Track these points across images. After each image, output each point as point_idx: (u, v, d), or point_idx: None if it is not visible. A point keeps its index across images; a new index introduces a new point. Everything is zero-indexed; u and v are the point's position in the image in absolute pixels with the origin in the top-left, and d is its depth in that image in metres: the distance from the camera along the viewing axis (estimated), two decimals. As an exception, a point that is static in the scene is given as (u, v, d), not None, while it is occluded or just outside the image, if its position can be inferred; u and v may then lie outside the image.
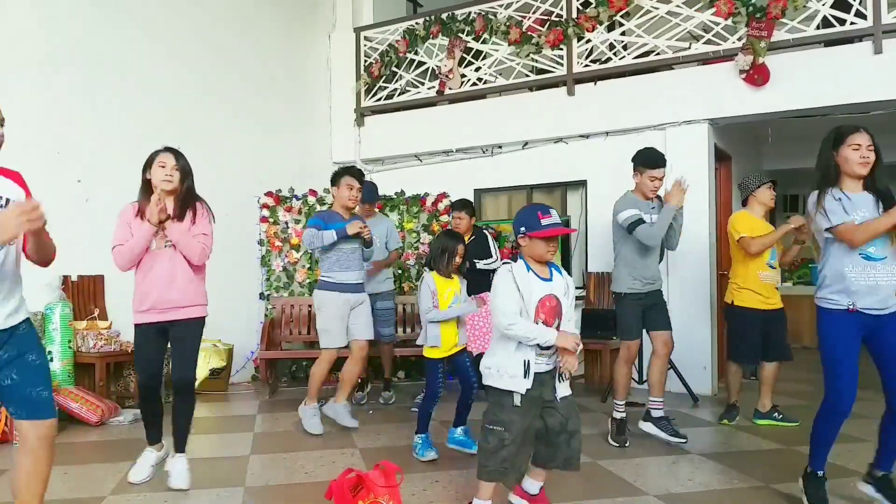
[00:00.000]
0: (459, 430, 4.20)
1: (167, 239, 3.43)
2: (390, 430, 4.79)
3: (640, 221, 4.24)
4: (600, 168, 6.58)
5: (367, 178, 7.88)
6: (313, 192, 7.16)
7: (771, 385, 4.98)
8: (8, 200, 2.26)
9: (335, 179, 4.78)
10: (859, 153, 3.00)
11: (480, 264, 5.50)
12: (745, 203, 5.07)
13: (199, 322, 3.54)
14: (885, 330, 3.00)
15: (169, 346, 3.57)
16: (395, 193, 7.34)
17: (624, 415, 4.34)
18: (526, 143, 7.09)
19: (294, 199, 7.15)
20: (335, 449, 4.24)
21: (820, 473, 3.16)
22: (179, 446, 3.51)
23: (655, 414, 4.40)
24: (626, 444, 4.26)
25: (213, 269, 4.90)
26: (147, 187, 3.51)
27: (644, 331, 4.45)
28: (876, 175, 3.04)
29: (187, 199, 3.52)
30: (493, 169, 7.28)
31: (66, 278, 5.30)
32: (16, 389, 2.25)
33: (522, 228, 2.82)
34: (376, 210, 5.96)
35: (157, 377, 3.63)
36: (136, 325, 3.49)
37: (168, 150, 3.61)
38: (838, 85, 5.51)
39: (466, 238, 5.25)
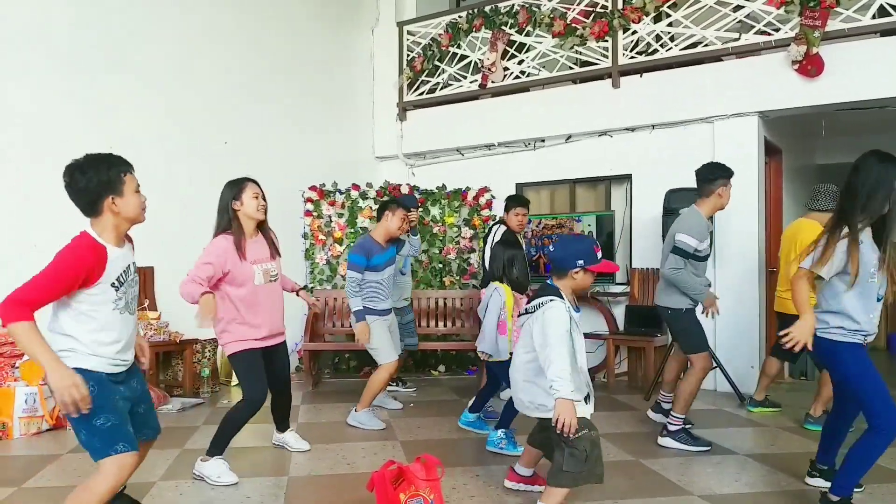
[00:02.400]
0: (473, 415, 4.46)
1: (272, 274, 3.68)
2: (431, 423, 4.81)
3: (687, 255, 4.14)
4: (646, 162, 6.47)
5: (409, 171, 7.98)
6: (356, 187, 7.22)
7: (771, 379, 5.12)
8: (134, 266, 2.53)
9: (388, 206, 4.80)
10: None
11: None
12: (815, 209, 4.87)
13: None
14: None
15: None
16: (437, 188, 7.35)
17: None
18: (569, 137, 7.01)
19: (337, 193, 7.21)
20: (377, 441, 4.28)
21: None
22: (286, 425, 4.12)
23: (672, 428, 4.21)
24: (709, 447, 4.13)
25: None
26: (235, 216, 3.60)
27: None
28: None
29: (267, 230, 3.77)
30: (535, 163, 7.23)
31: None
32: (145, 418, 2.65)
33: (581, 262, 2.84)
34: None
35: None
36: (246, 350, 3.61)
37: (252, 180, 3.72)
38: (895, 76, 5.30)
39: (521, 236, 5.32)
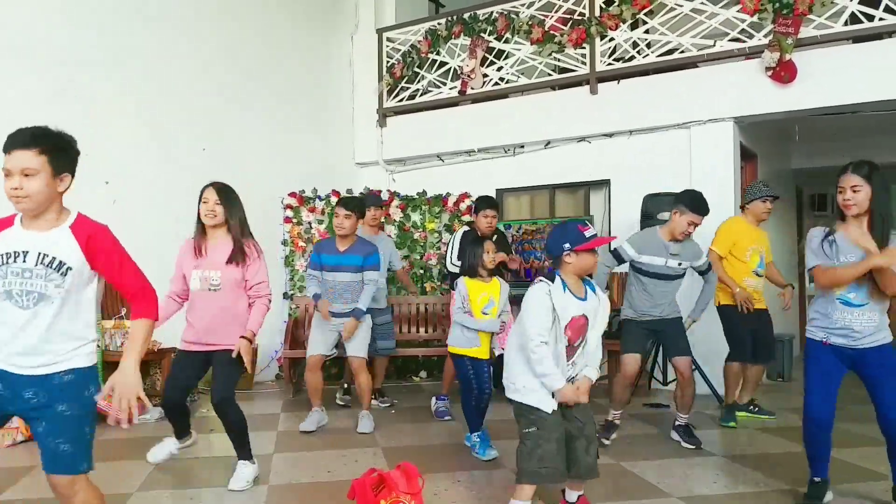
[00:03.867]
0: (475, 435, 4.13)
1: (213, 283, 3.56)
2: (413, 430, 4.80)
3: (620, 259, 4.36)
4: (624, 167, 6.53)
5: (390, 177, 7.98)
6: (336, 193, 7.20)
7: (755, 383, 5.18)
8: (62, 265, 2.13)
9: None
10: (843, 195, 3.08)
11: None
12: (742, 207, 5.12)
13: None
14: (866, 362, 3.09)
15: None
16: (417, 193, 7.36)
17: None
18: (548, 143, 7.06)
19: (317, 199, 7.19)
20: (358, 448, 4.26)
21: (818, 480, 3.25)
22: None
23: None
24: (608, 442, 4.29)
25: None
26: (199, 221, 3.64)
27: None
28: (875, 214, 3.02)
29: (237, 240, 3.58)
30: (515, 169, 7.26)
31: (94, 278, 5.39)
32: (41, 439, 2.17)
33: (566, 245, 2.83)
34: (381, 230, 5.97)
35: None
36: (179, 349, 3.72)
37: (213, 185, 3.66)
38: (867, 81, 5.41)
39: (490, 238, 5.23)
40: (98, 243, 2.19)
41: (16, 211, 2.18)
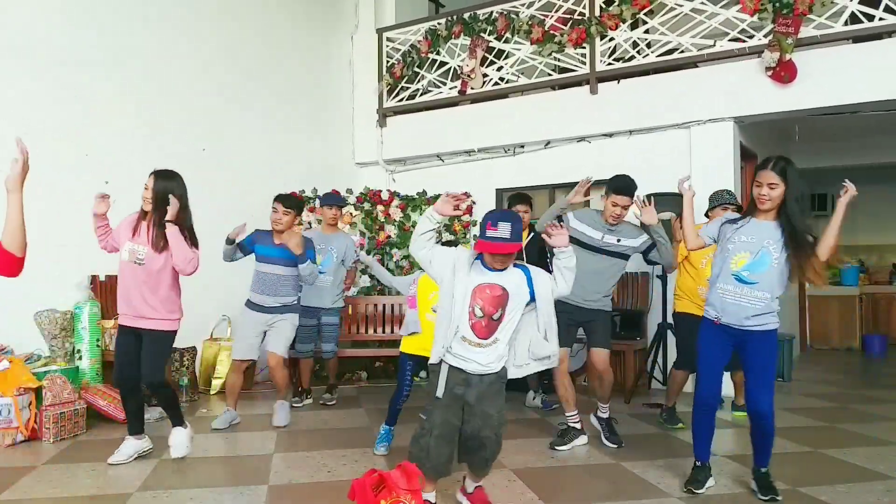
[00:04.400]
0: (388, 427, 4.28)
1: (139, 257, 3.78)
2: (411, 430, 4.78)
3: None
4: (624, 167, 6.50)
5: (389, 177, 7.98)
6: (336, 192, 7.19)
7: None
8: None
9: None
10: (760, 190, 3.25)
11: None
12: (707, 215, 5.08)
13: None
14: (747, 345, 3.30)
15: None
16: (417, 193, 7.36)
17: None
18: (548, 143, 7.06)
19: (317, 199, 7.19)
20: (357, 448, 4.26)
21: (698, 464, 3.46)
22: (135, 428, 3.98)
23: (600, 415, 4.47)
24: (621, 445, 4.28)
25: (238, 267, 5.00)
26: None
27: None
28: (789, 210, 3.20)
29: (162, 227, 3.76)
30: (515, 168, 7.27)
31: (94, 278, 5.40)
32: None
33: (475, 232, 2.85)
34: (341, 225, 5.98)
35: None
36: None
37: (155, 173, 3.84)
38: (867, 81, 5.41)
39: (525, 235, 5.18)
40: None
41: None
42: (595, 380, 4.42)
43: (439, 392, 2.89)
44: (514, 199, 5.47)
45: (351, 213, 7.06)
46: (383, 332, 6.62)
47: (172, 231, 3.70)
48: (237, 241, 4.73)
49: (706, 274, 4.61)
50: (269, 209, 5.59)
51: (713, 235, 3.47)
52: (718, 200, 4.94)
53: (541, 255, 5.13)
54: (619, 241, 4.26)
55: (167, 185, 3.75)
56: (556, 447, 4.21)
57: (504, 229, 2.75)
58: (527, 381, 5.56)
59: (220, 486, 3.49)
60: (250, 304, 4.81)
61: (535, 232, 5.35)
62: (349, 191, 7.28)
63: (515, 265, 2.91)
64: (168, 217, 3.69)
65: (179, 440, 3.96)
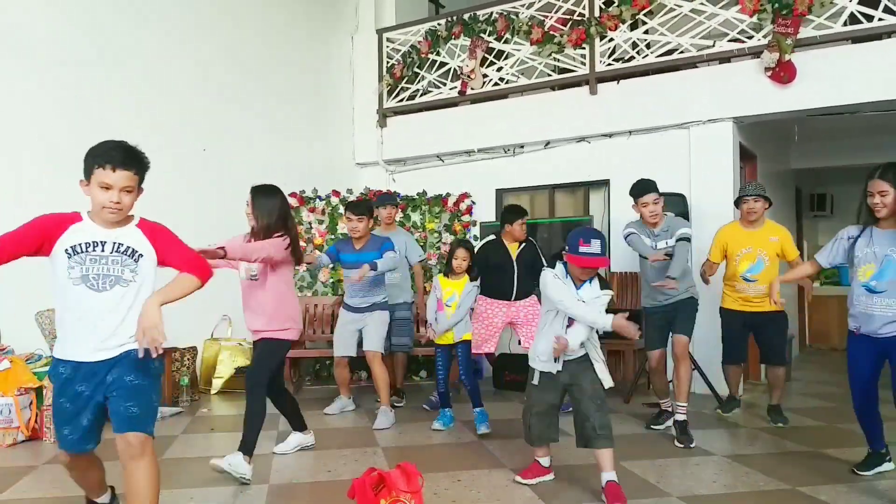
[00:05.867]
0: (474, 411, 4.66)
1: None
2: (413, 429, 4.81)
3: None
4: (623, 167, 6.53)
5: (390, 177, 7.98)
6: (336, 193, 7.21)
7: (776, 387, 5.02)
8: (135, 252, 2.49)
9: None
10: (873, 199, 3.34)
11: None
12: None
13: None
14: (893, 353, 3.39)
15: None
16: (417, 194, 7.37)
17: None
18: (548, 143, 7.07)
19: (318, 199, 7.20)
20: (358, 448, 4.27)
21: (871, 451, 3.67)
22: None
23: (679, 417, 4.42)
24: (692, 445, 4.26)
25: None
26: None
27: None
28: None
29: None
30: (515, 169, 7.27)
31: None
32: (112, 407, 2.48)
33: (567, 246, 3.27)
34: (397, 224, 6.13)
35: None
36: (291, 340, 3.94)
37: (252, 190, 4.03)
38: (866, 82, 5.42)
39: (517, 247, 5.20)
40: (162, 236, 2.56)
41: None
42: (656, 375, 4.73)
43: (535, 381, 3.45)
44: (512, 215, 5.22)
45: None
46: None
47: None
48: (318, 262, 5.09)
49: (740, 270, 4.80)
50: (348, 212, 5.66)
51: (834, 260, 3.62)
52: (743, 192, 4.90)
53: (534, 263, 5.12)
54: (667, 243, 4.51)
55: (266, 202, 3.87)
56: (652, 426, 4.72)
57: (596, 245, 3.18)
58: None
59: (220, 485, 3.50)
60: (346, 306, 5.17)
61: (528, 242, 5.35)
62: (349, 191, 7.29)
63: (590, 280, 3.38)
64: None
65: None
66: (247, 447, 3.60)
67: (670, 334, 4.60)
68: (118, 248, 2.46)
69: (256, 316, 3.84)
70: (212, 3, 6.57)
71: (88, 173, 2.42)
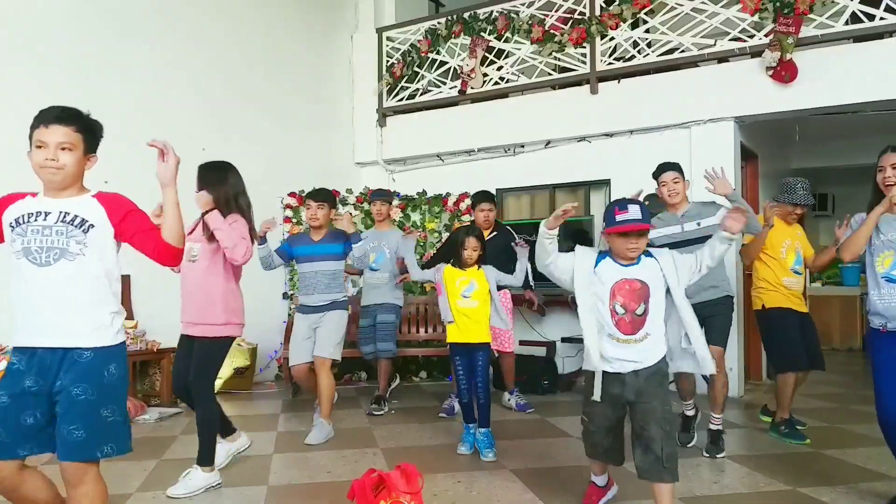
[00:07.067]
0: (479, 431, 4.13)
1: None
2: (412, 430, 4.80)
3: None
4: (624, 167, 6.52)
5: (390, 177, 7.97)
6: (336, 193, 7.18)
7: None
8: (84, 222, 2.24)
9: None
10: (884, 173, 3.12)
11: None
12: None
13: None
14: None
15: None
16: (417, 193, 7.35)
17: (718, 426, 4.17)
18: (548, 143, 7.05)
19: (317, 199, 7.18)
20: (357, 449, 4.25)
21: None
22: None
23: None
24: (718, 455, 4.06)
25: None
26: None
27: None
28: None
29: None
30: (515, 168, 7.26)
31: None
32: (57, 424, 2.16)
33: (603, 224, 2.81)
34: (395, 223, 5.89)
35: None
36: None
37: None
38: (868, 81, 5.40)
39: (487, 234, 5.12)
40: (120, 206, 2.33)
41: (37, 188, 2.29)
42: (684, 383, 4.23)
43: (596, 395, 2.79)
44: (478, 197, 5.36)
45: (350, 213, 7.04)
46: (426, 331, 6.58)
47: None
48: (267, 240, 4.50)
49: (788, 263, 4.47)
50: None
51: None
52: (789, 198, 4.53)
53: (507, 254, 4.84)
54: (699, 224, 4.05)
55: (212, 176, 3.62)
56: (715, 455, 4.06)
57: (634, 210, 2.67)
58: (504, 382, 5.51)
59: (219, 486, 3.48)
60: (300, 308, 4.67)
61: (502, 230, 5.37)
62: (349, 191, 7.28)
63: (646, 254, 2.80)
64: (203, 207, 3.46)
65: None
66: (205, 459, 3.42)
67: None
68: (64, 217, 2.21)
69: (192, 304, 3.48)
70: (212, 2, 6.55)
71: (29, 142, 2.24)
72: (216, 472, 3.48)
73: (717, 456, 4.05)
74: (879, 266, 3.05)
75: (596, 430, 2.89)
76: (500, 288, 4.39)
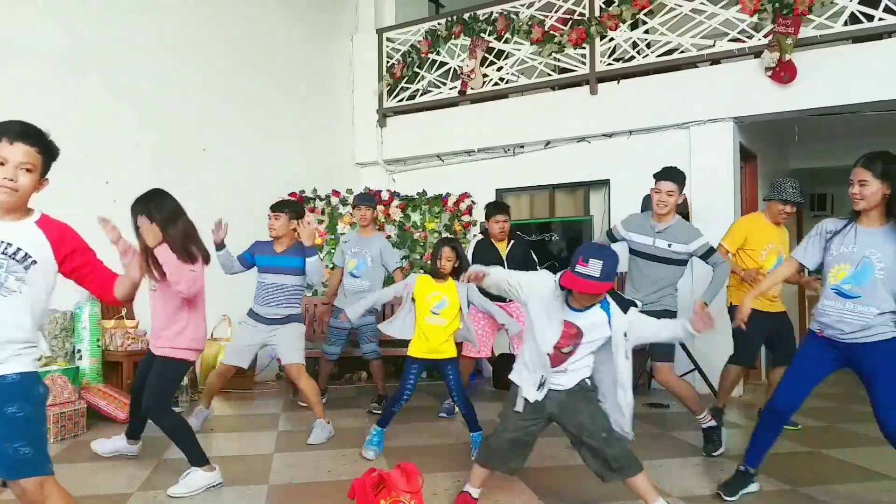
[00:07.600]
0: (473, 435, 4.11)
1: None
2: (412, 429, 4.80)
3: (613, 239, 4.39)
4: (623, 167, 6.54)
5: (390, 177, 7.98)
6: (336, 193, 7.21)
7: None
8: (27, 257, 2.07)
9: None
10: (852, 189, 3.06)
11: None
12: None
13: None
14: (863, 358, 3.01)
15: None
16: (417, 193, 7.36)
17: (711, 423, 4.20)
18: (548, 143, 7.06)
19: (317, 199, 7.20)
20: (358, 448, 4.25)
21: (743, 469, 3.34)
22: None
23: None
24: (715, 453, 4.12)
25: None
26: None
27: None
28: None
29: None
30: (514, 169, 7.27)
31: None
32: None
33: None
34: (376, 230, 5.80)
35: None
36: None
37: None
38: (867, 82, 5.41)
39: (504, 245, 5.20)
40: (66, 241, 2.14)
41: None
42: (686, 402, 4.23)
43: (518, 407, 2.92)
44: (492, 209, 5.31)
45: (350, 214, 7.06)
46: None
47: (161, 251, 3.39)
48: (226, 245, 4.45)
49: (766, 266, 4.50)
50: (268, 207, 5.58)
51: (813, 258, 3.19)
52: (777, 195, 4.59)
53: (524, 262, 5.03)
54: (669, 245, 4.11)
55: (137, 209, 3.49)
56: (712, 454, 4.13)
57: (595, 267, 2.61)
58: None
59: (219, 486, 3.48)
60: (252, 314, 4.60)
61: (517, 238, 5.38)
62: (349, 191, 7.28)
63: (603, 304, 2.82)
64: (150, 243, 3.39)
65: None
66: (196, 459, 3.44)
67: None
68: (6, 249, 2.03)
69: (156, 322, 3.59)
70: (212, 3, 6.56)
71: None
72: (217, 471, 3.49)
73: (713, 454, 4.10)
74: (832, 278, 3.07)
75: (503, 432, 2.96)
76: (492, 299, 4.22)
